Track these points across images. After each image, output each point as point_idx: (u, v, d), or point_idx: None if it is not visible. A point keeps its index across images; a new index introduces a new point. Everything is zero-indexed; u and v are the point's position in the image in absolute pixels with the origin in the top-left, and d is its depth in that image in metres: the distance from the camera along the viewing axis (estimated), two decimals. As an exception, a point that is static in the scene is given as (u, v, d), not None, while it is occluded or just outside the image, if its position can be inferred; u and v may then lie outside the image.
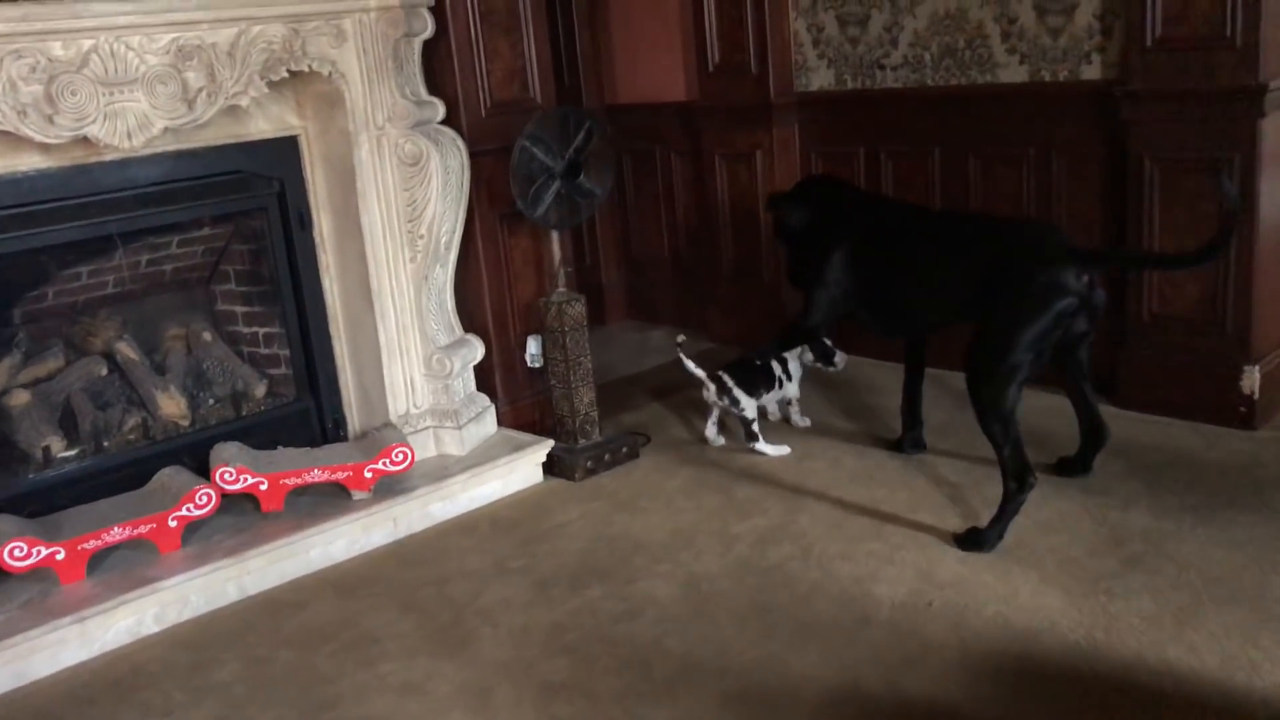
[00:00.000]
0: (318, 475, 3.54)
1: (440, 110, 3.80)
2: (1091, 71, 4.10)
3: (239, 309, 4.01)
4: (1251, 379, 3.81)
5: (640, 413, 4.61)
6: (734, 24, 4.99)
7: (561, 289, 3.99)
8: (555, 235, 3.97)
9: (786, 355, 4.18)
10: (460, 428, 3.91)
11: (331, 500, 3.60)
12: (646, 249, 5.93)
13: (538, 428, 4.24)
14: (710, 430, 4.19)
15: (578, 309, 3.98)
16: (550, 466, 4.02)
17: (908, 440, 3.92)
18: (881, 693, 2.60)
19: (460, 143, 3.80)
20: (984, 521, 3.26)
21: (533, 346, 4.21)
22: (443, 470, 3.82)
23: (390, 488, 3.65)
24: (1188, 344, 3.93)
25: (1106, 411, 3.65)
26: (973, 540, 3.21)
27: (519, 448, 3.95)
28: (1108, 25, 4.01)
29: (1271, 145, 3.70)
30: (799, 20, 4.95)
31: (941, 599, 2.97)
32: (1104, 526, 3.26)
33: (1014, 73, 4.32)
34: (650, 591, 3.15)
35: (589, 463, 3.98)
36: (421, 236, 3.77)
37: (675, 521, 3.58)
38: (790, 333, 4.02)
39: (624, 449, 4.09)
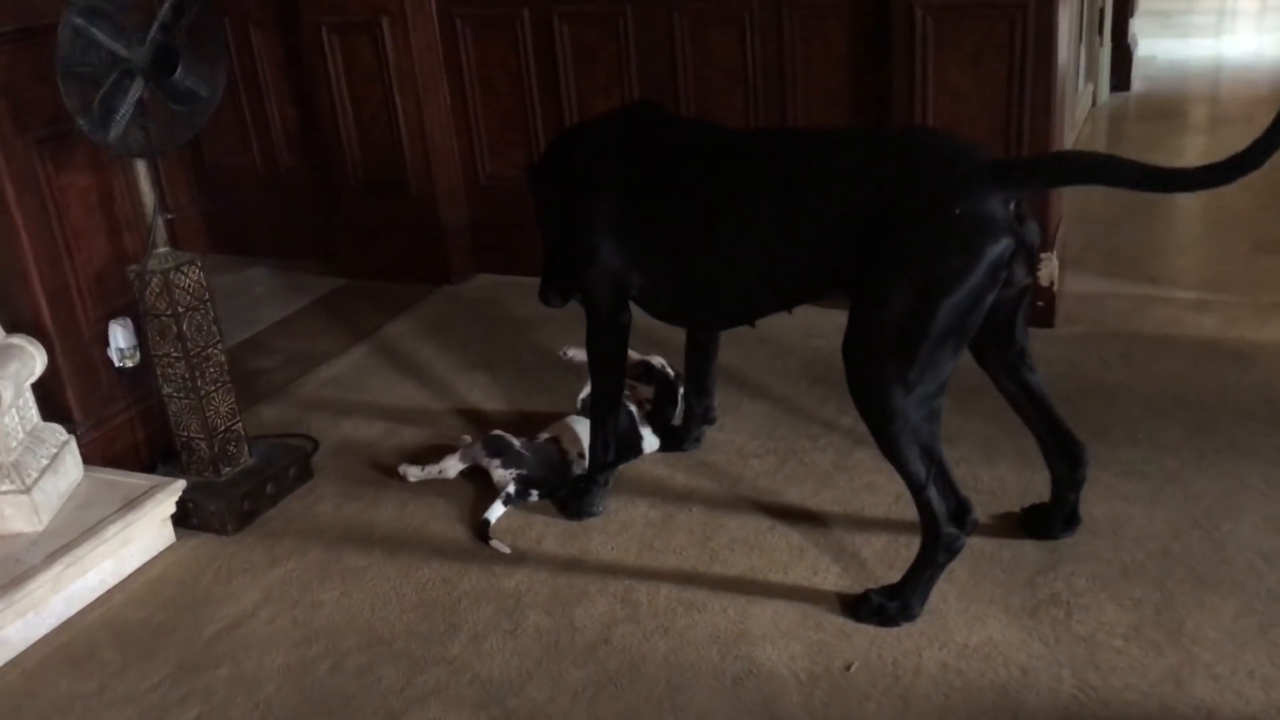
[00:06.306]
0: None
1: (-97, -33, 2.22)
2: (833, -102, 3.24)
3: None
4: (1050, 267, 3.24)
5: (283, 403, 3.30)
6: None
7: (163, 248, 2.58)
8: (142, 166, 2.53)
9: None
10: (28, 489, 2.44)
11: None
12: (229, 160, 4.42)
13: (145, 454, 2.85)
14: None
15: (194, 276, 2.60)
16: (185, 517, 2.66)
17: (694, 428, 2.85)
18: None
19: (-49, 24, 2.25)
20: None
21: (120, 338, 2.77)
22: (14, 564, 2.36)
23: (-78, 618, 2.17)
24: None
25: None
26: (877, 610, 2.17)
27: (131, 500, 2.55)
28: None
29: (1068, -20, 3.08)
30: None
31: (856, 656, 2.09)
32: (981, 494, 2.53)
33: (727, -98, 3.37)
34: (432, 731, 2.01)
35: (246, 503, 2.67)
36: (-95, 190, 2.22)
37: (415, 584, 2.41)
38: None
39: (291, 470, 2.81)
